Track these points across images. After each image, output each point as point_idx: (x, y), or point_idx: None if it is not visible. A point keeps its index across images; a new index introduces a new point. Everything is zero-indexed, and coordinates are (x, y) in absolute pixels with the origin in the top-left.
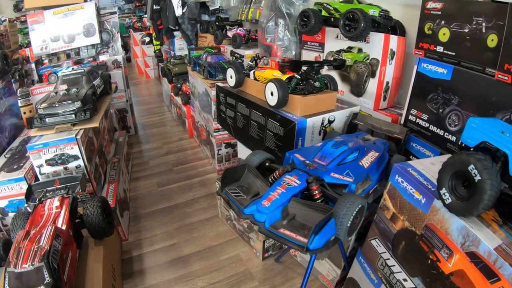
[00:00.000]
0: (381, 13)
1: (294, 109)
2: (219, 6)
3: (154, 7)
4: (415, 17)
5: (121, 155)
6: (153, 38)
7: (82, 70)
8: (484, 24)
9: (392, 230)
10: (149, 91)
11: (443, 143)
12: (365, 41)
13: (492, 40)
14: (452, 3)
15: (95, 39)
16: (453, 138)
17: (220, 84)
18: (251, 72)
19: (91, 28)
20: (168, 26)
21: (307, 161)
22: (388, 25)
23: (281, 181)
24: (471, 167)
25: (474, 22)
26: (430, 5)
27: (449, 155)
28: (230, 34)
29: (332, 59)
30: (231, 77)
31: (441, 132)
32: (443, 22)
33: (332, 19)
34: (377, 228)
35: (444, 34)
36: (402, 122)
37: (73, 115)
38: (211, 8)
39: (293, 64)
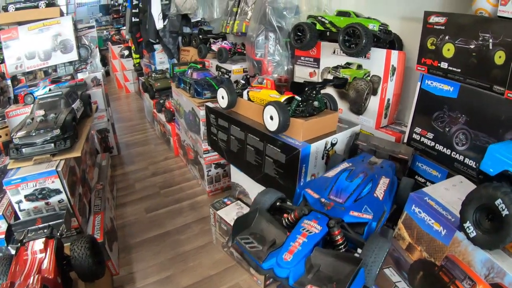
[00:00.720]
0: (381, 27)
1: (296, 134)
2: (202, 18)
3: (133, 20)
4: (414, 31)
5: (105, 181)
6: (132, 51)
7: (60, 93)
8: (491, 40)
9: (408, 260)
10: (129, 106)
11: (450, 162)
12: (365, 57)
13: (499, 57)
14: (457, 18)
15: (73, 55)
16: (461, 158)
17: (210, 104)
18: (245, 92)
19: (68, 44)
20: (149, 39)
21: (323, 199)
22: (387, 39)
23: (300, 228)
24: (498, 201)
25: (480, 38)
26: (433, 19)
27: (466, 181)
28: (215, 47)
29: (331, 77)
30: (222, 98)
31: (448, 152)
32: (447, 37)
33: (327, 33)
34: (391, 257)
35: (448, 50)
36: (405, 140)
37: (52, 145)
38: (193, 20)
39: (295, 87)
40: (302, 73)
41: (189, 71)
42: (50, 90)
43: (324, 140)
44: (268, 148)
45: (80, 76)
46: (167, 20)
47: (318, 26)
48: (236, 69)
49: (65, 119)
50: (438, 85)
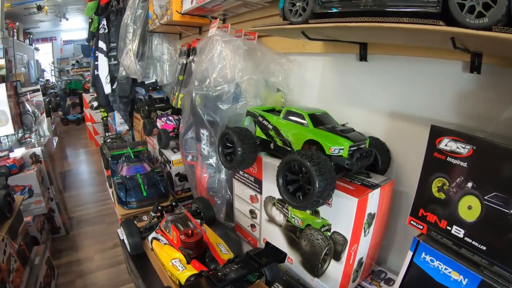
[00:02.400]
0: (352, 149)
1: None
2: (156, 79)
3: (95, 73)
4: (408, 135)
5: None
6: None
7: None
8: None
9: None
10: (94, 165)
11: None
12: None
13: None
14: (496, 150)
15: (8, 129)
16: None
17: (125, 240)
18: (151, 236)
19: (3, 116)
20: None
21: None
22: (363, 166)
23: None
24: None
25: None
26: (447, 145)
27: None
28: (159, 124)
29: (277, 213)
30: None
31: None
32: (470, 184)
33: (272, 145)
34: None
35: (470, 208)
36: None
37: None
38: (147, 82)
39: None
40: (241, 193)
41: (121, 163)
42: None
43: None
44: None
45: (15, 152)
46: (116, 84)
47: (258, 132)
48: (176, 160)
49: None
50: (442, 268)
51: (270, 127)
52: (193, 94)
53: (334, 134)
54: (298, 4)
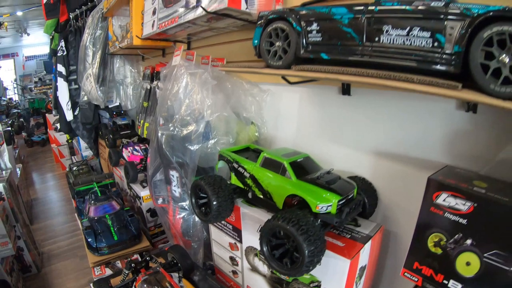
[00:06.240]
0: (341, 203)
1: None
2: (120, 103)
3: (56, 95)
4: (397, 174)
5: None
6: None
7: None
8: None
9: None
10: (61, 192)
11: None
12: None
13: None
14: (498, 207)
15: None
16: None
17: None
18: None
19: None
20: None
21: None
22: (350, 218)
23: None
24: None
25: None
26: (446, 200)
27: None
28: (125, 155)
29: (259, 264)
30: None
31: None
32: (469, 241)
33: (250, 194)
34: None
35: (468, 264)
36: None
37: None
38: (110, 106)
39: None
40: (220, 239)
41: (88, 201)
42: None
43: None
44: None
45: None
46: (78, 110)
47: (234, 179)
48: (146, 196)
49: None
50: None
51: (247, 175)
52: (159, 134)
53: (320, 187)
54: (277, 44)
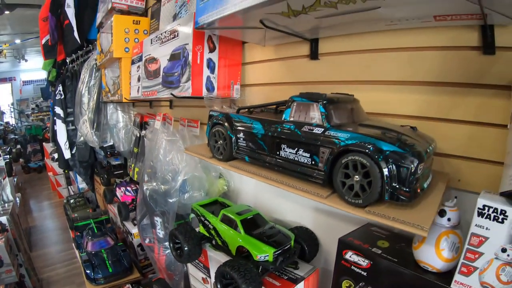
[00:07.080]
0: (277, 253)
1: None
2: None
3: (54, 128)
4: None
5: None
6: None
7: None
8: None
9: None
10: (58, 221)
11: None
12: None
13: None
14: (386, 265)
15: None
16: None
17: None
18: None
19: None
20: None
21: None
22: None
23: None
24: None
25: None
26: (351, 256)
27: None
28: (118, 194)
29: None
30: None
31: None
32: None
33: (213, 241)
34: None
35: None
36: None
37: None
38: (105, 145)
39: None
40: (195, 273)
41: (85, 237)
42: None
43: None
44: None
45: None
46: (75, 149)
47: (202, 229)
48: (137, 233)
49: None
50: None
51: (211, 227)
52: (144, 188)
53: (261, 242)
54: (219, 142)
